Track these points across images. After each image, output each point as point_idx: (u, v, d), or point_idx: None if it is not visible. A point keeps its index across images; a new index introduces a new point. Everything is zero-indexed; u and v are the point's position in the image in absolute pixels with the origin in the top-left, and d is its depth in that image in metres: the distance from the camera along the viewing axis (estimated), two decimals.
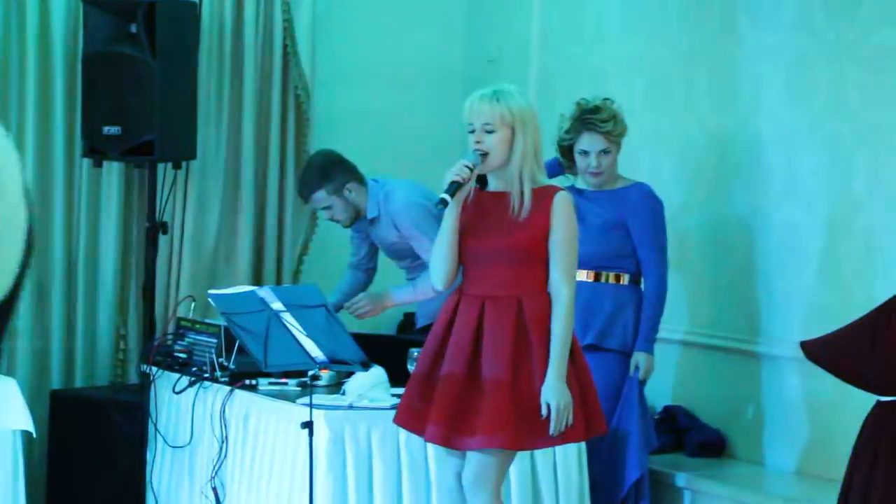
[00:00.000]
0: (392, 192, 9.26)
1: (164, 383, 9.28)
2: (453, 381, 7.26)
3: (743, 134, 9.10)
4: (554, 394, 7.04)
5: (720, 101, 9.27)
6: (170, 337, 9.62)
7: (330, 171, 9.38)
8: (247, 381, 8.60)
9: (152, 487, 9.41)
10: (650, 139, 9.14)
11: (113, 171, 10.23)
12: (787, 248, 8.70)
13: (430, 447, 7.72)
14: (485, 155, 7.20)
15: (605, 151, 8.51)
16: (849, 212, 8.32)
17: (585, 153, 8.50)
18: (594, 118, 8.53)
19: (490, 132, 7.18)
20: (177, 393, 9.08)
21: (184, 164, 10.16)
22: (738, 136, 9.15)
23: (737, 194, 9.12)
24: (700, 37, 9.37)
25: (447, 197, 7.20)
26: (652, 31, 9.68)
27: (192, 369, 9.06)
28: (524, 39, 10.58)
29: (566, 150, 8.72)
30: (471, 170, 7.21)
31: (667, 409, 9.05)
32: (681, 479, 8.71)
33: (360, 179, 9.40)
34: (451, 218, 7.28)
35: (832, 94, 8.58)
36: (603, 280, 8.59)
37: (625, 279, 8.64)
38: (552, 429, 7.11)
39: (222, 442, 8.69)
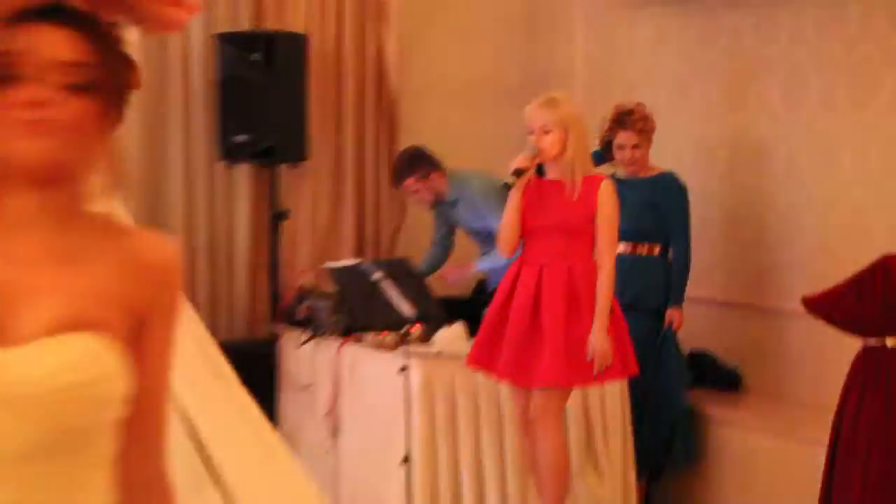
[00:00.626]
0: (467, 180, 9.32)
1: (291, 339, 9.39)
2: (518, 332, 7.34)
3: (750, 132, 9.03)
4: (597, 342, 7.15)
5: (731, 105, 9.18)
6: (293, 302, 9.70)
7: (417, 161, 9.41)
8: (354, 336, 8.60)
9: (281, 421, 9.45)
10: (674, 136, 9.12)
11: (243, 171, 10.25)
12: (787, 223, 8.65)
13: (502, 386, 7.74)
14: (542, 150, 7.27)
15: (636, 146, 8.54)
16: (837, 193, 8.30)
17: (622, 147, 8.55)
18: (628, 119, 8.59)
19: (547, 132, 7.23)
20: (300, 346, 9.12)
21: (299, 163, 10.21)
22: (747, 133, 9.07)
23: (745, 179, 9.08)
24: (714, 52, 9.34)
25: (512, 181, 7.29)
26: (674, 49, 9.67)
27: (312, 327, 9.09)
28: (571, 57, 10.59)
29: (607, 145, 8.76)
30: (531, 161, 7.31)
31: (692, 353, 8.99)
32: (705, 407, 8.67)
33: (441, 169, 9.44)
34: (514, 198, 7.35)
35: (822, 97, 8.53)
36: (638, 252, 8.55)
37: (656, 250, 8.62)
38: (595, 369, 7.26)
39: (335, 384, 8.73)
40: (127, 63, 2.55)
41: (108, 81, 2.48)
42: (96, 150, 2.58)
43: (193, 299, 10.09)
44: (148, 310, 2.63)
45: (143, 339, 2.58)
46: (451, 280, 9.11)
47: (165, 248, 2.77)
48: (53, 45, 2.48)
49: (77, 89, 2.40)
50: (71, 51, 2.42)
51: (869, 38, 8.06)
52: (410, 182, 9.40)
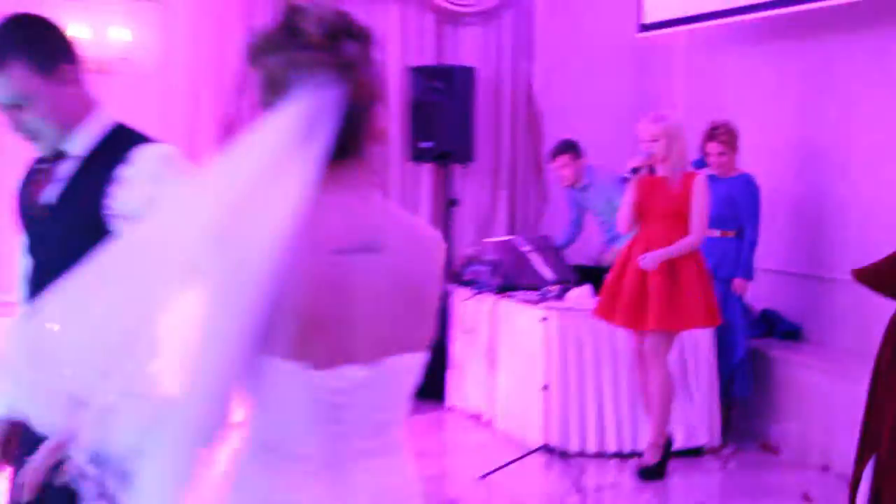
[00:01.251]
0: (596, 170, 9.27)
1: (459, 294, 9.41)
2: (632, 291, 7.42)
3: (813, 141, 8.92)
4: (649, 261, 7.36)
5: (800, 120, 8.98)
6: (461, 267, 9.72)
7: (573, 146, 9.34)
8: (506, 293, 8.69)
9: (451, 359, 9.51)
10: (755, 144, 8.83)
11: (425, 169, 10.40)
12: (839, 213, 8.57)
13: (618, 332, 7.82)
14: (651, 155, 7.37)
15: (722, 153, 8.41)
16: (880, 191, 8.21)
17: (710, 155, 8.44)
18: (715, 133, 8.47)
19: (655, 141, 7.33)
20: (465, 301, 9.19)
21: (467, 164, 10.27)
22: (810, 143, 8.94)
23: (807, 179, 8.92)
24: (785, 79, 9.16)
25: (629, 176, 7.44)
26: (754, 76, 9.42)
27: (475, 286, 9.17)
28: (673, 84, 10.48)
29: (704, 155, 8.61)
30: (643, 162, 7.41)
31: (763, 311, 8.91)
32: (773, 352, 8.56)
33: (584, 158, 9.39)
34: (631, 189, 7.44)
35: (873, 115, 8.38)
36: (720, 234, 8.34)
37: (731, 234, 8.44)
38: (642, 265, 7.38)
39: (492, 330, 8.81)
40: None
41: None
42: None
43: None
44: None
45: None
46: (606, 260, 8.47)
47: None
48: None
49: None
50: None
51: None
52: (564, 159, 9.35)
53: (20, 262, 3.68)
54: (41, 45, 3.35)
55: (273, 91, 2.34)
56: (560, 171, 9.42)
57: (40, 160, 3.55)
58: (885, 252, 6.65)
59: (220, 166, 2.37)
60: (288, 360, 2.30)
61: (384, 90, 2.49)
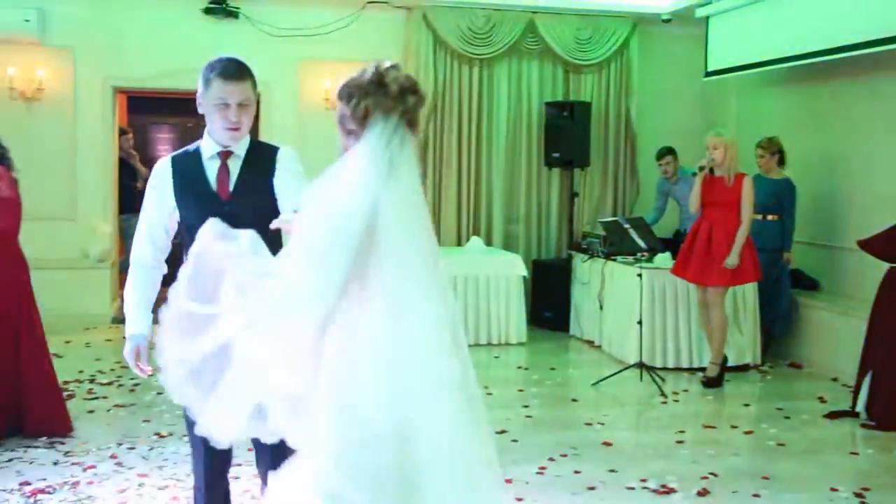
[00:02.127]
0: (684, 169, 9.16)
1: (578, 258, 9.40)
2: (699, 255, 7.45)
3: (833, 151, 8.79)
4: (732, 259, 7.27)
5: (822, 138, 8.83)
6: (580, 238, 9.76)
7: (674, 150, 9.29)
8: (612, 257, 8.69)
9: (575, 301, 9.55)
10: (791, 153, 8.50)
11: (555, 172, 10.37)
12: (848, 201, 8.53)
13: (690, 285, 7.81)
14: (713, 159, 7.39)
15: (762, 156, 8.26)
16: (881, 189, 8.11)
17: (758, 159, 8.33)
18: (761, 145, 8.32)
19: (716, 149, 7.39)
20: (583, 262, 9.25)
21: (585, 168, 10.21)
22: (832, 152, 8.77)
23: (828, 180, 8.77)
24: (811, 107, 9.05)
25: (697, 173, 7.51)
26: (790, 107, 9.40)
27: (590, 251, 9.18)
28: (728, 114, 10.38)
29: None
30: (707, 164, 7.43)
31: (793, 270, 8.62)
32: (799, 299, 8.46)
33: (678, 159, 9.33)
34: (698, 183, 7.49)
35: (883, 130, 8.30)
36: (765, 218, 8.12)
37: (774, 218, 8.22)
38: (729, 273, 7.36)
39: (602, 282, 8.81)
40: None
41: None
42: None
43: (525, 242, 10.28)
44: None
45: None
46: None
47: None
48: None
49: None
50: None
51: None
52: (668, 158, 9.28)
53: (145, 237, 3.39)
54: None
55: (361, 121, 2.60)
56: (665, 166, 9.34)
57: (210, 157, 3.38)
58: (877, 229, 6.77)
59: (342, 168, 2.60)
60: None
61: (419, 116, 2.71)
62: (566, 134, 9.89)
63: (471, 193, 10.14)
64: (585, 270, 9.27)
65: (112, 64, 9.45)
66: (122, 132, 10.49)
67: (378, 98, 2.60)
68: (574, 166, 10.12)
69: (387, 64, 2.67)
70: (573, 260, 9.64)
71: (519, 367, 8.26)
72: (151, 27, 9.44)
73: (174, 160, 3.39)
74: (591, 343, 9.10)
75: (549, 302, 9.85)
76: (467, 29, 9.92)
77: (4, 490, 4.84)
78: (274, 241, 3.05)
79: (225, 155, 3.33)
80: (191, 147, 3.43)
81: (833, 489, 5.13)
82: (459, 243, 9.97)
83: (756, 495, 5.01)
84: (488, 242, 10.03)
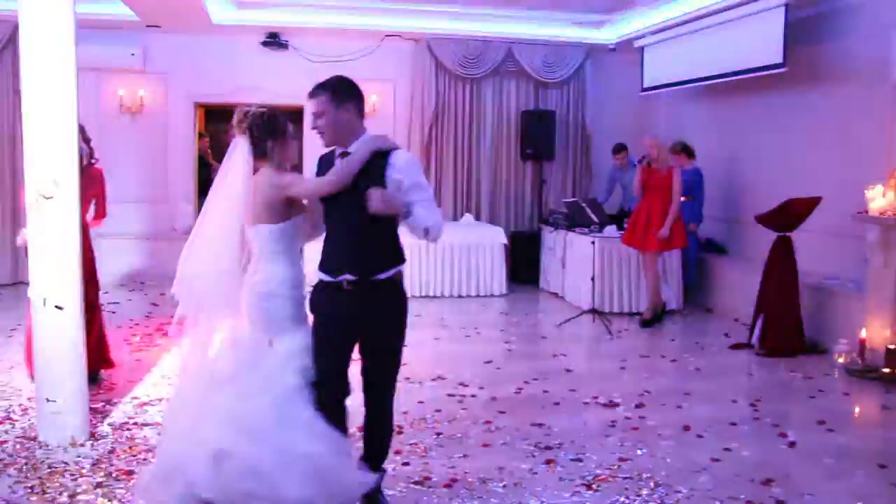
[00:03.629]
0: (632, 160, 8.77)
1: (546, 230, 9.23)
2: (640, 228, 7.47)
3: (737, 155, 8.81)
4: (664, 232, 7.25)
5: (723, 140, 8.81)
6: (547, 214, 9.63)
7: (625, 146, 9.08)
8: (572, 229, 8.52)
9: (543, 263, 9.46)
10: (701, 153, 8.60)
11: (528, 165, 10.22)
12: (747, 185, 8.48)
13: (632, 251, 7.76)
14: (650, 156, 7.31)
15: (678, 156, 8.05)
16: (785, 179, 8.13)
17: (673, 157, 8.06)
18: (677, 146, 8.12)
19: (651, 148, 7.38)
20: (549, 233, 9.11)
21: (551, 160, 10.10)
22: (735, 155, 8.74)
23: (731, 177, 8.67)
24: (716, 116, 8.96)
25: (638, 163, 7.55)
26: (701, 116, 9.37)
27: (554, 225, 9.05)
28: (658, 122, 10.32)
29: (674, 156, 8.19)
30: (646, 158, 7.32)
31: (706, 239, 8.58)
32: (712, 260, 8.32)
33: (627, 152, 9.04)
34: (638, 173, 7.47)
35: (778, 136, 8.35)
36: (684, 200, 7.75)
37: (690, 199, 7.93)
38: (660, 242, 7.32)
39: (564, 249, 8.73)
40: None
41: None
42: None
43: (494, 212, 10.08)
44: None
45: None
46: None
47: None
48: None
49: None
50: None
51: (824, 108, 7.45)
52: (624, 153, 8.96)
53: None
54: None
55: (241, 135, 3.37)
56: (621, 160, 9.23)
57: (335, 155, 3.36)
58: (767, 207, 6.79)
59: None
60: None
61: (280, 135, 3.40)
62: (537, 135, 9.88)
63: (464, 180, 10.19)
64: (551, 239, 9.24)
65: (194, 84, 9.54)
66: (200, 136, 10.62)
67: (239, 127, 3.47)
68: (543, 160, 10.08)
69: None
70: (542, 231, 9.63)
71: (501, 313, 8.28)
72: (223, 56, 9.52)
73: (321, 158, 3.43)
74: (556, 294, 9.07)
75: (524, 263, 9.79)
76: (461, 55, 9.93)
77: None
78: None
79: (343, 154, 3.30)
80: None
81: (734, 401, 5.34)
82: (455, 218, 9.95)
83: (679, 406, 5.20)
84: (477, 218, 10.09)
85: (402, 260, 3.34)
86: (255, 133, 3.37)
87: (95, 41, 9.06)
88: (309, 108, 3.36)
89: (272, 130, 3.39)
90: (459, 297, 9.00)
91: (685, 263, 8.25)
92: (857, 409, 5.35)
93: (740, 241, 8.57)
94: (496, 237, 9.23)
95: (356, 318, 3.24)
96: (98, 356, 5.22)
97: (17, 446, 4.20)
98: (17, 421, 4.60)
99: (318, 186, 3.28)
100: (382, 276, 3.24)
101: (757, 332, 6.68)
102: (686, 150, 8.30)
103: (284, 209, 3.29)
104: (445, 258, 8.98)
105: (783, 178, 7.73)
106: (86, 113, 8.64)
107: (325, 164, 3.38)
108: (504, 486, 3.88)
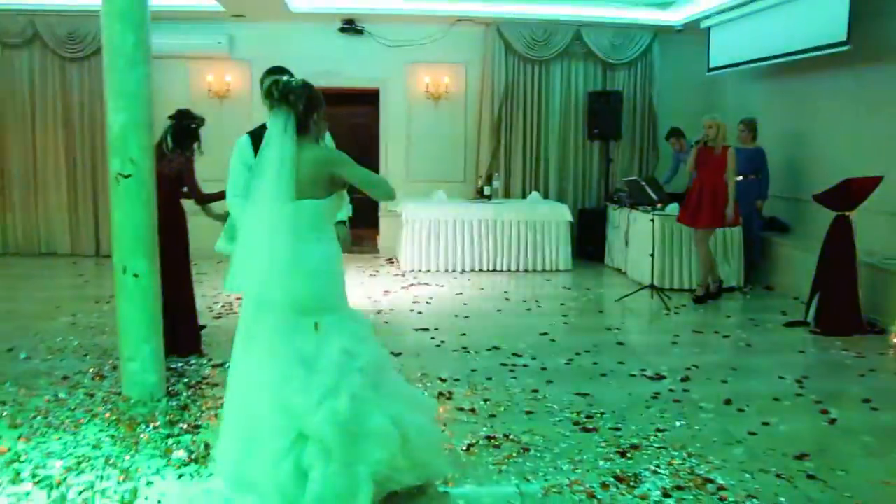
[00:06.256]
0: (687, 140, 8.79)
1: (611, 207, 9.25)
2: (694, 206, 7.34)
3: (804, 133, 8.54)
4: (729, 210, 7.15)
5: (788, 119, 8.59)
6: (612, 192, 9.58)
7: (680, 130, 9.07)
8: (634, 206, 8.54)
9: (607, 239, 9.52)
10: (765, 131, 8.48)
11: (596, 144, 10.16)
12: (809, 164, 8.31)
13: (688, 228, 7.63)
14: (707, 135, 7.26)
15: (742, 131, 8.05)
16: (846, 160, 7.89)
17: (738, 133, 8.11)
18: (742, 123, 8.10)
19: (710, 128, 7.26)
20: (613, 210, 9.10)
21: (618, 140, 10.04)
22: (801, 133, 8.50)
23: (795, 152, 8.52)
24: (781, 95, 8.79)
25: (694, 144, 7.39)
26: (767, 96, 9.14)
27: (619, 202, 9.07)
28: (727, 101, 10.21)
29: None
30: (703, 137, 7.26)
31: (771, 217, 8.52)
32: (774, 238, 8.25)
33: (684, 136, 9.04)
34: (693, 153, 7.39)
35: (837, 117, 8.06)
36: (745, 178, 7.86)
37: (754, 177, 7.99)
38: (726, 221, 7.24)
39: (626, 225, 8.75)
40: None
41: None
42: None
43: (561, 190, 10.10)
44: None
45: None
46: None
47: None
48: None
49: None
50: None
51: (863, 91, 7.40)
52: (673, 139, 9.13)
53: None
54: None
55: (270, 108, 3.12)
56: (673, 144, 9.22)
57: None
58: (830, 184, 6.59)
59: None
60: None
61: (315, 108, 3.18)
62: (604, 115, 9.82)
63: (532, 159, 10.16)
64: (616, 217, 9.23)
65: None
66: None
67: (271, 98, 3.21)
68: (609, 139, 10.03)
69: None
70: (608, 209, 9.59)
71: (564, 288, 8.26)
72: (304, 42, 9.68)
73: (250, 134, 3.93)
74: (619, 270, 9.04)
75: (589, 240, 9.86)
76: (530, 38, 9.88)
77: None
78: None
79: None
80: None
81: (781, 377, 5.19)
82: (523, 196, 9.92)
83: (724, 381, 5.09)
84: (545, 195, 10.07)
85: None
86: (302, 106, 3.12)
87: (186, 32, 9.44)
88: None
89: (318, 103, 3.20)
90: (525, 271, 9.02)
91: (749, 241, 8.13)
92: None
93: (805, 219, 8.33)
94: (562, 214, 9.22)
95: None
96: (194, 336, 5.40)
97: (105, 399, 4.49)
98: (106, 377, 4.93)
99: (369, 177, 3.18)
100: None
101: (813, 310, 6.49)
102: (753, 129, 8.16)
103: (330, 185, 3.15)
104: (512, 234, 9.02)
105: (848, 156, 7.52)
106: (179, 98, 9.20)
107: (255, 139, 3.79)
108: (540, 450, 3.91)
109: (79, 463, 3.60)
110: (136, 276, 4.44)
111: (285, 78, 3.24)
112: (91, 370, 5.07)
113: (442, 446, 3.50)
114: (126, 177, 4.38)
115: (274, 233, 3.02)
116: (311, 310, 3.09)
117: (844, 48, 6.92)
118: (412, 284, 8.27)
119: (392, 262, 9.57)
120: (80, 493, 3.33)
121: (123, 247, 4.45)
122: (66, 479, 3.45)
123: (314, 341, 3.06)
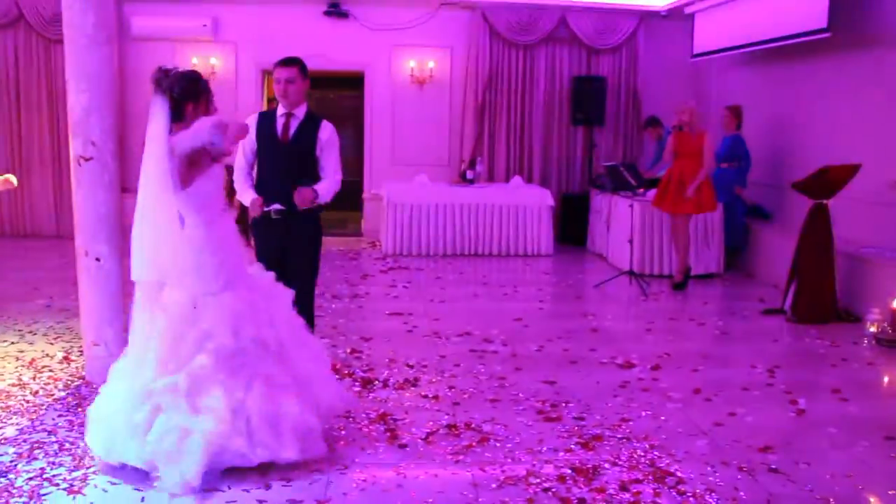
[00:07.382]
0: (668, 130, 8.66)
1: (595, 192, 9.21)
2: (672, 190, 7.21)
3: (783, 118, 8.45)
4: (691, 191, 7.04)
5: (772, 105, 8.49)
6: (595, 177, 9.51)
7: (657, 120, 9.07)
8: (615, 192, 8.28)
9: (589, 224, 9.41)
10: (749, 118, 8.42)
11: (580, 129, 10.04)
12: (791, 151, 8.16)
13: (665, 213, 7.51)
14: (681, 122, 7.12)
15: (726, 116, 7.97)
16: (828, 145, 7.78)
17: (723, 119, 8.09)
18: (730, 108, 8.03)
19: (683, 113, 7.15)
20: (598, 195, 9.09)
21: (602, 126, 9.94)
22: (782, 121, 8.45)
23: (782, 141, 8.43)
24: (766, 81, 8.63)
25: (671, 129, 7.36)
26: (749, 83, 9.01)
27: (601, 188, 8.94)
28: (710, 87, 10.07)
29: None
30: (677, 124, 7.13)
31: (753, 204, 8.33)
32: (755, 225, 8.05)
33: (662, 126, 9.02)
34: (672, 137, 7.29)
35: (826, 102, 7.97)
36: (726, 166, 7.79)
37: (735, 164, 7.86)
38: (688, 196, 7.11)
39: (609, 210, 8.66)
40: None
41: None
42: None
43: (545, 174, 9.99)
44: None
45: None
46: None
47: None
48: None
49: None
50: None
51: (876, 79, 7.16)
52: (650, 129, 9.03)
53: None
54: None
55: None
56: (649, 134, 9.18)
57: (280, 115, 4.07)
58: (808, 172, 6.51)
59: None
60: None
61: (189, 97, 3.20)
62: (588, 100, 9.72)
63: (516, 143, 10.05)
64: (598, 202, 9.15)
65: (261, 52, 9.59)
66: (270, 101, 10.69)
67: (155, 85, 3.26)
68: (593, 125, 9.94)
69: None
70: (590, 194, 9.51)
71: (543, 273, 8.16)
72: (288, 25, 9.56)
73: (261, 114, 4.12)
74: (600, 255, 8.93)
75: (572, 225, 9.77)
76: (515, 22, 9.75)
77: None
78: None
79: (288, 115, 4.06)
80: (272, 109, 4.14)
81: (752, 366, 5.08)
82: (506, 180, 9.83)
83: (695, 370, 4.98)
84: (529, 180, 9.96)
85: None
86: (176, 94, 3.15)
87: (170, 13, 9.24)
88: (281, 75, 3.88)
89: (194, 93, 3.21)
90: (507, 255, 8.91)
91: (731, 228, 8.05)
92: (879, 380, 5.02)
93: (786, 207, 8.24)
94: (544, 199, 9.11)
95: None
96: None
97: (68, 383, 4.37)
98: (73, 361, 4.81)
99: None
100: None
101: (789, 298, 6.39)
102: (738, 116, 8.09)
103: (191, 169, 3.23)
104: (493, 218, 8.91)
105: (829, 144, 7.42)
106: None
107: (265, 120, 4.06)
108: (500, 440, 3.79)
109: (31, 449, 3.49)
110: (98, 259, 4.31)
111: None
112: (59, 353, 4.97)
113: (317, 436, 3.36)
114: (87, 160, 4.23)
115: (159, 218, 3.14)
116: (189, 288, 3.21)
117: (824, 35, 6.86)
118: (391, 268, 8.17)
119: (375, 245, 9.47)
120: (29, 479, 3.23)
121: (86, 231, 4.31)
122: (16, 465, 3.34)
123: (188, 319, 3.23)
